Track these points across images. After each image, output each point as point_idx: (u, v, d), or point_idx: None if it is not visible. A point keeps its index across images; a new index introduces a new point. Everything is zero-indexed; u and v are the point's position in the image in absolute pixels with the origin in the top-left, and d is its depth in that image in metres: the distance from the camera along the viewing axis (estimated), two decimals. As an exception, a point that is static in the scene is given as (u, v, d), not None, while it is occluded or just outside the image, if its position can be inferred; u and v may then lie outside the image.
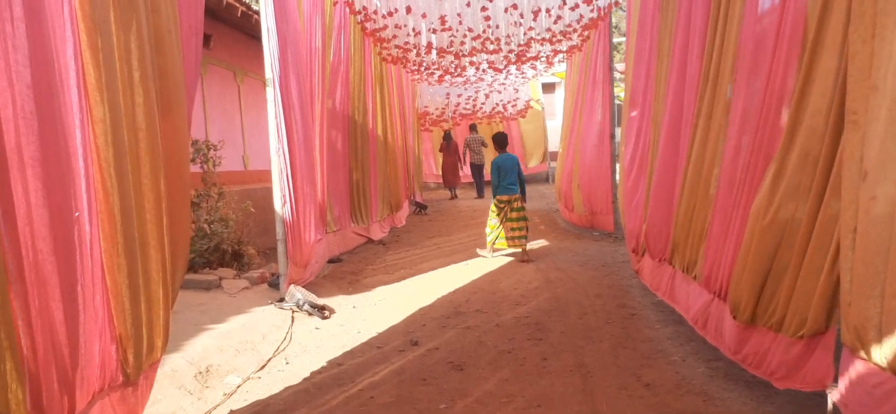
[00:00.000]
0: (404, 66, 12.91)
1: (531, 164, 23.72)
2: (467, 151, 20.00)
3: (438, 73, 15.83)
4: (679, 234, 4.71)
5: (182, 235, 3.55)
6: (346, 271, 8.21)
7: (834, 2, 2.67)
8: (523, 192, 9.05)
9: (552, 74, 21.84)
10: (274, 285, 6.52)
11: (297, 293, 5.97)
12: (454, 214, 15.40)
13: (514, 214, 8.93)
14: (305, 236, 6.87)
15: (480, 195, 19.56)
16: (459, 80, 17.16)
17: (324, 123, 8.40)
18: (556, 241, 10.48)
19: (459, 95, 20.37)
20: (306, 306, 5.89)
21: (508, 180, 8.91)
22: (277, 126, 6.25)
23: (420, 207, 15.83)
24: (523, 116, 21.84)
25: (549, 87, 26.02)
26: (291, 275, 6.38)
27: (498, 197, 8.98)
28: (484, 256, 9.12)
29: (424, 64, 12.33)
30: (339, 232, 9.31)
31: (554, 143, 25.68)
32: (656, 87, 6.10)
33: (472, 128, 20.66)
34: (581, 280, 7.25)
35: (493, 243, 9.07)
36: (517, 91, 20.76)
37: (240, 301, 6.13)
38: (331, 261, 8.70)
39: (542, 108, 23.30)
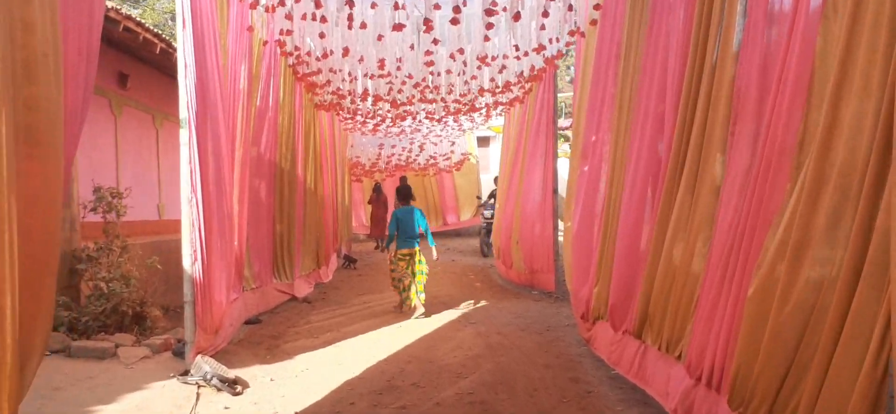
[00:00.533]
0: (337, 114, 12.29)
1: (464, 218, 23.31)
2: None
3: (372, 122, 15.30)
4: (654, 307, 4.19)
5: (43, 307, 2.79)
6: (266, 335, 7.39)
7: (858, 37, 2.22)
8: (430, 239, 8.93)
9: (488, 127, 21.66)
10: (179, 354, 5.68)
11: (205, 365, 5.16)
12: (384, 269, 14.66)
13: (419, 267, 8.74)
14: (218, 297, 6.07)
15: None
16: (394, 130, 16.66)
17: (246, 171, 7.67)
18: (495, 299, 9.92)
19: (394, 147, 19.86)
20: (215, 380, 5.09)
21: (408, 234, 8.75)
22: (191, 171, 5.51)
23: (349, 261, 15.05)
24: (458, 169, 21.46)
25: (483, 141, 25.83)
26: (199, 343, 5.57)
27: (399, 250, 8.75)
28: (419, 318, 8.48)
29: (359, 112, 11.73)
30: (258, 289, 8.49)
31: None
32: (614, 140, 5.67)
33: (402, 180, 20.26)
34: (526, 347, 6.67)
35: (411, 301, 8.74)
36: (453, 143, 20.38)
37: (137, 374, 5.28)
38: (248, 322, 7.87)
39: (477, 162, 23.01)
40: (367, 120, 12.10)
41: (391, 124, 14.10)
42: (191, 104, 5.45)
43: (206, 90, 5.83)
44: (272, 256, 9.26)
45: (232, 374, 5.34)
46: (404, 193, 9.30)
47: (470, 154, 21.66)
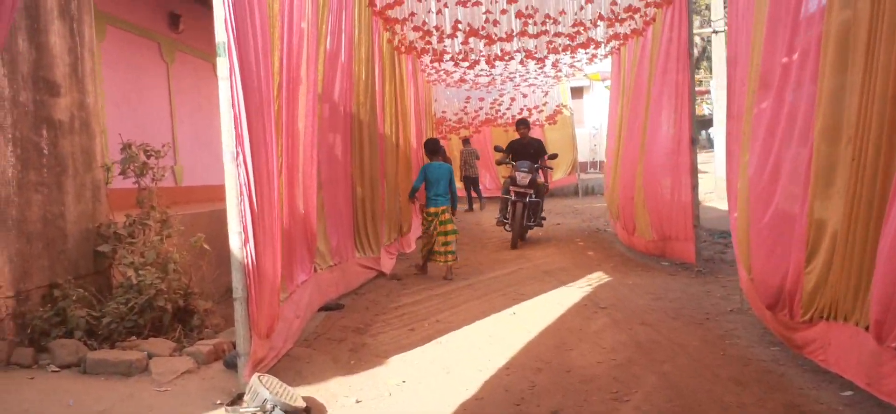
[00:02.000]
0: (419, 57, 10.63)
1: (557, 177, 21.39)
2: (463, 166, 18.55)
3: (460, 71, 13.62)
4: None
5: None
6: (348, 326, 5.89)
7: None
8: (454, 205, 8.53)
9: (585, 75, 19.60)
10: (232, 364, 4.21)
11: (263, 389, 3.65)
12: (478, 235, 13.08)
13: (443, 228, 8.29)
14: (275, 283, 4.57)
15: (470, 208, 18.38)
16: (484, 79, 14.95)
17: (314, 122, 6.14)
18: (619, 274, 8.14)
19: (481, 99, 18.11)
20: (277, 411, 3.58)
21: (435, 191, 8.34)
22: (235, 116, 3.97)
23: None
24: (553, 123, 19.48)
25: (576, 92, 23.77)
26: (256, 353, 4.08)
27: (427, 209, 8.44)
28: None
29: (447, 53, 10.01)
30: (338, 266, 7.01)
31: (583, 153, 23.41)
32: (822, 58, 3.81)
33: (465, 142, 19.06)
34: (691, 347, 4.92)
35: (425, 256, 8.58)
36: (546, 94, 18.46)
37: (173, 400, 3.83)
38: (326, 307, 6.41)
39: (571, 115, 20.99)
40: (457, 63, 10.33)
41: (480, 71, 12.37)
42: (230, 21, 3.88)
43: (254, 8, 4.26)
44: (353, 225, 7.77)
45: (301, 397, 3.83)
46: (432, 147, 8.86)
47: (564, 105, 19.66)
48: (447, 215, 8.30)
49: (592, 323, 5.83)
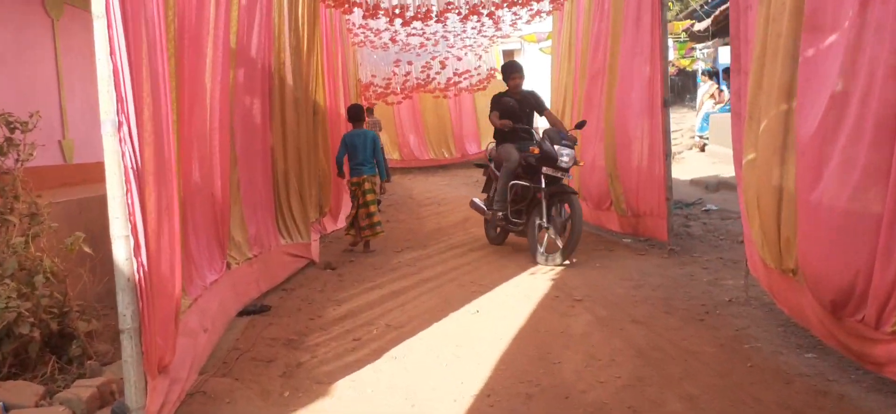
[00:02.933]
0: (350, 10, 9.34)
1: (480, 148, 20.45)
2: None
3: (388, 32, 12.44)
4: None
5: None
6: (276, 338, 4.71)
7: None
8: (382, 174, 8.31)
9: (519, 37, 18.66)
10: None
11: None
12: (413, 208, 12.00)
13: (365, 198, 7.87)
14: (175, 303, 3.37)
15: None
16: (414, 40, 13.76)
17: (226, 81, 4.90)
18: (588, 255, 7.23)
19: (410, 63, 16.87)
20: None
21: (357, 160, 7.99)
22: (116, 70, 2.75)
23: (370, 202, 12.28)
24: (483, 88, 18.42)
25: (507, 55, 22.80)
26: (153, 402, 2.89)
27: (350, 179, 8.11)
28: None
29: (380, 8, 8.75)
30: (259, 257, 5.80)
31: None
32: None
33: (369, 112, 17.30)
34: (704, 355, 4.02)
35: (349, 231, 8.11)
36: (480, 58, 17.39)
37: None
38: (246, 311, 5.22)
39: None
40: (392, 18, 9.05)
41: (417, 26, 11.18)
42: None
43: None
44: (274, 206, 6.55)
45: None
46: (354, 114, 8.33)
47: (496, 70, 18.65)
48: (368, 185, 7.85)
49: (574, 322, 4.86)
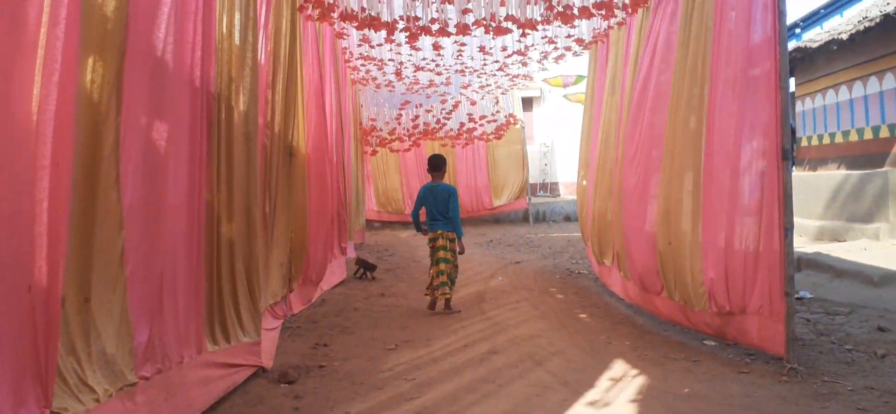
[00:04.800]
0: (337, 20, 7.23)
1: (502, 201, 18.33)
2: None
3: (393, 64, 10.46)
4: None
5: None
6: None
7: None
8: (456, 231, 7.42)
9: (542, 81, 16.65)
10: None
11: None
12: (416, 275, 9.78)
13: (437, 256, 7.37)
14: None
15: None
16: (423, 77, 11.74)
17: (71, 77, 2.73)
18: (649, 365, 4.99)
19: (419, 106, 14.78)
20: None
21: (430, 215, 7.49)
22: None
23: (365, 268, 10.07)
24: (500, 137, 16.30)
25: (526, 103, 20.84)
26: None
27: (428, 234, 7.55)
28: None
29: (379, 22, 6.64)
30: (154, 382, 3.56)
31: (534, 174, 20.48)
32: None
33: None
34: None
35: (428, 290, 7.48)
36: (497, 101, 15.35)
37: None
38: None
39: (523, 128, 18.02)
40: (392, 33, 6.89)
41: (427, 56, 9.14)
42: None
43: None
44: (204, 291, 4.32)
45: None
46: (434, 164, 7.68)
47: (515, 116, 16.60)
48: (441, 242, 7.34)
49: None
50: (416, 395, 4.51)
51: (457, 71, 11.07)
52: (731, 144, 5.17)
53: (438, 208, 7.39)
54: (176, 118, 3.92)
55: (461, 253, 7.50)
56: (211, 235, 4.43)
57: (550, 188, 22.07)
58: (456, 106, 14.54)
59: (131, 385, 3.33)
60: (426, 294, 7.56)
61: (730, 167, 5.17)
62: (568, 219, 18.00)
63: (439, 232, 7.37)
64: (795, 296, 7.15)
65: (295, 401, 4.39)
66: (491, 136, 15.93)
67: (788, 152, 4.72)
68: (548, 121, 22.12)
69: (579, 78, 16.17)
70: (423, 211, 7.59)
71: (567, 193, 21.35)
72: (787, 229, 4.69)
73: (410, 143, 15.26)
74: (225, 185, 4.58)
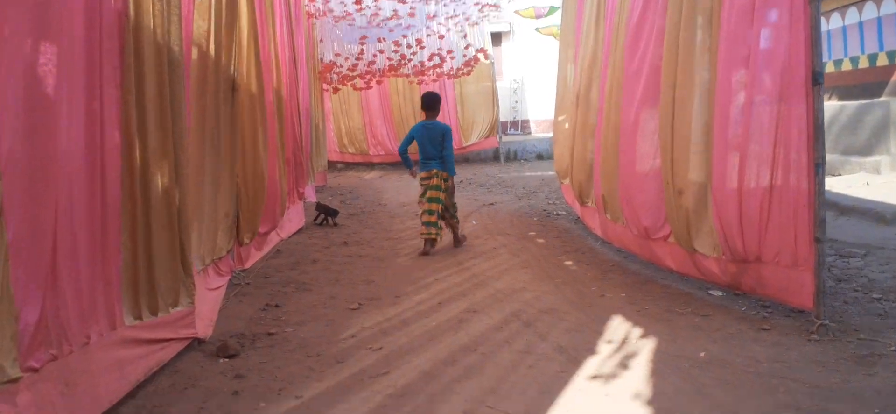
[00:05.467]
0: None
1: (472, 140, 17.52)
2: None
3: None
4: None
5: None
6: None
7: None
8: (448, 170, 7.19)
9: (513, 12, 15.71)
10: None
11: None
12: (382, 222, 9.01)
13: (428, 195, 7.13)
14: None
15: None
16: (385, 7, 10.79)
17: None
18: (653, 322, 4.35)
19: (382, 40, 13.75)
20: None
21: (423, 154, 7.24)
22: None
23: (326, 214, 9.24)
24: (469, 73, 15.40)
25: (495, 38, 19.89)
26: None
27: (420, 173, 7.33)
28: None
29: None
30: (47, 372, 2.77)
31: (504, 111, 19.66)
32: None
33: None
34: None
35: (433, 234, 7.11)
36: (465, 35, 14.40)
37: None
38: None
39: (492, 63, 17.13)
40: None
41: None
42: None
43: None
44: (119, 253, 3.48)
45: None
46: (428, 103, 7.40)
47: (485, 51, 15.66)
48: (436, 181, 7.12)
49: None
50: (383, 369, 3.77)
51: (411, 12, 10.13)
52: (745, 70, 4.40)
53: (433, 147, 7.19)
54: (69, 38, 3.03)
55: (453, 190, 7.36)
56: (130, 187, 3.57)
57: (521, 126, 21.29)
58: (419, 42, 13.57)
59: (13, 381, 2.52)
60: (426, 245, 7.17)
61: (746, 94, 4.42)
62: (541, 157, 17.29)
63: (434, 171, 7.17)
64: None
65: (235, 381, 3.62)
66: (461, 72, 15.04)
67: (820, 76, 3.98)
68: (518, 56, 21.19)
69: (552, 9, 15.25)
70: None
71: (538, 131, 20.63)
72: (819, 165, 3.98)
73: (373, 79, 14.25)
74: (143, 125, 3.69)
